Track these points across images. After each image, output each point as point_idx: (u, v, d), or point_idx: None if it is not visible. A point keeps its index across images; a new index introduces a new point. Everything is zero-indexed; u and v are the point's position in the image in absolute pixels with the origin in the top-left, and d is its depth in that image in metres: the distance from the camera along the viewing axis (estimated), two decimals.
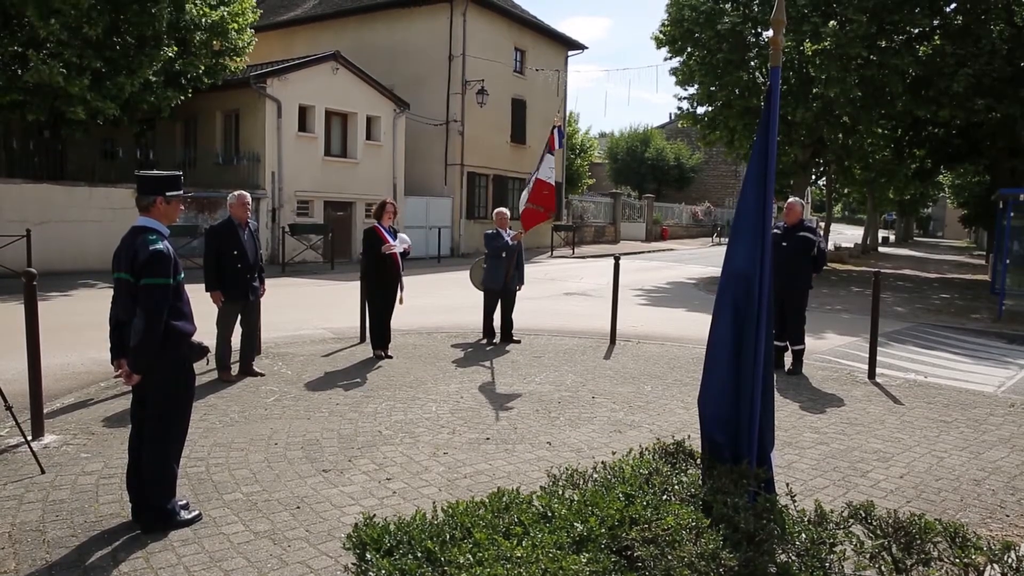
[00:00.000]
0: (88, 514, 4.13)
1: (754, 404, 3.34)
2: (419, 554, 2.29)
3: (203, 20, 18.88)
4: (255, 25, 21.75)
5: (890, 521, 2.78)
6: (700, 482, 3.17)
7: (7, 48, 15.72)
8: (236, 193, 7.38)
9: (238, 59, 20.92)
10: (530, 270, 13.68)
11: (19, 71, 15.92)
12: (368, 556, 2.30)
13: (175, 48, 17.99)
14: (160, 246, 3.86)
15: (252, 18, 21.12)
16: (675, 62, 23.84)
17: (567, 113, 33.60)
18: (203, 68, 19.09)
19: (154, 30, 17.35)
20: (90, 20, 15.91)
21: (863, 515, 2.86)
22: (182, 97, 18.75)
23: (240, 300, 7.30)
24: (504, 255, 9.56)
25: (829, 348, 10.45)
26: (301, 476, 4.80)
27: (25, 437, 4.93)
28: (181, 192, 4.12)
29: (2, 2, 15.34)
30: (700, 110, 24.86)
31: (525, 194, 9.18)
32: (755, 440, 3.38)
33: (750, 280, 3.35)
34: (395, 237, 8.61)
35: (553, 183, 9.20)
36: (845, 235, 55.26)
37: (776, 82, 3.40)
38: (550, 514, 2.63)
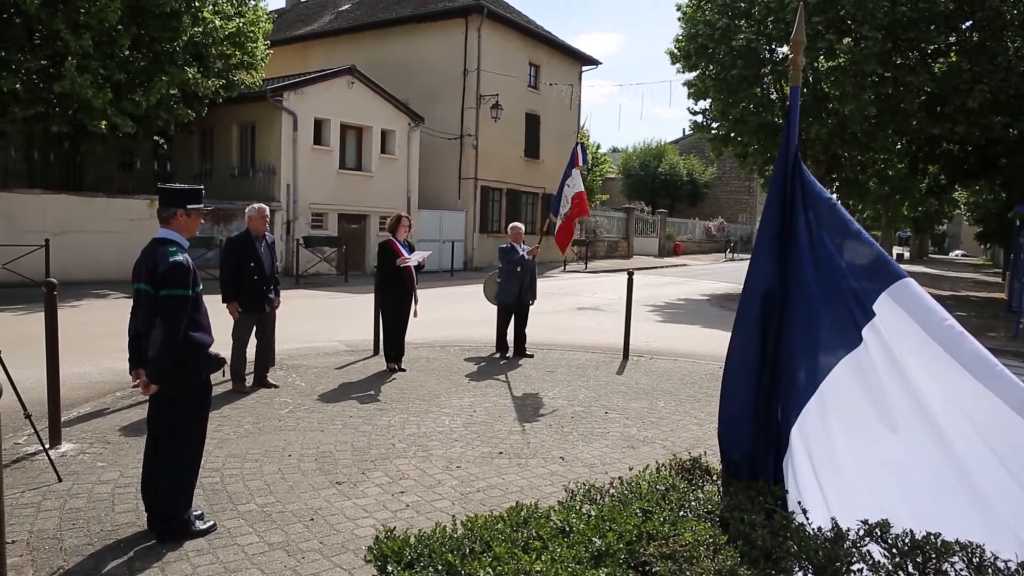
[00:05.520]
0: (104, 523, 4.16)
1: (772, 423, 3.33)
2: (439, 567, 2.30)
3: (219, 32, 19.13)
4: (271, 39, 21.98)
5: (907, 540, 2.76)
6: (717, 498, 3.16)
7: (32, 62, 15.99)
8: (256, 206, 7.43)
9: (255, 72, 21.15)
10: (543, 285, 13.70)
11: (41, 84, 16.18)
12: (389, 568, 2.31)
13: (193, 67, 18.23)
14: (180, 258, 3.90)
15: (267, 27, 21.35)
16: (689, 75, 23.85)
17: (580, 129, 33.66)
18: (218, 86, 19.30)
19: (172, 46, 17.60)
20: (117, 34, 16.17)
21: (879, 533, 2.84)
22: (193, 115, 18.95)
23: (256, 312, 7.34)
24: (519, 269, 9.59)
25: None
26: (315, 488, 4.81)
27: (43, 445, 4.96)
28: (201, 206, 4.16)
29: (28, 17, 15.61)
30: (714, 125, 24.85)
31: (561, 213, 9.26)
32: (772, 458, 3.36)
33: (772, 298, 3.35)
34: (410, 251, 8.65)
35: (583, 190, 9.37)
36: None
37: (796, 101, 3.42)
38: (568, 529, 2.64)
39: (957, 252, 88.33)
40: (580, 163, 9.23)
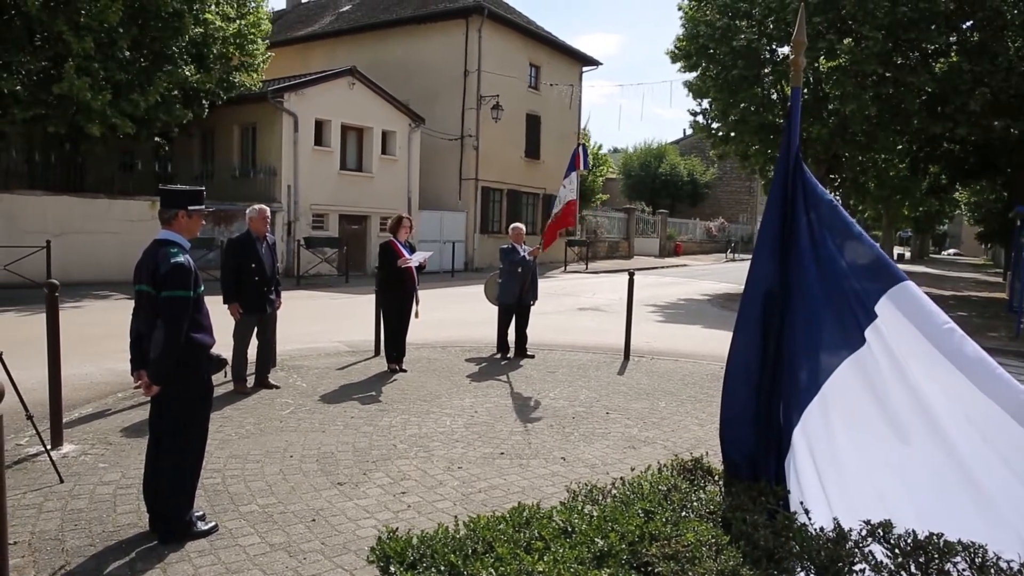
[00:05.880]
0: (106, 524, 4.16)
1: (773, 423, 3.32)
2: (442, 568, 2.30)
3: (221, 33, 19.15)
4: (272, 40, 21.99)
5: (909, 540, 2.76)
6: (719, 499, 3.16)
7: (33, 63, 15.99)
8: (257, 207, 7.44)
9: (254, 75, 21.17)
10: (544, 285, 13.70)
11: (41, 85, 16.19)
12: (392, 569, 2.32)
13: (192, 66, 18.26)
14: (181, 259, 3.91)
15: (267, 27, 21.38)
16: (690, 75, 23.85)
17: (581, 130, 33.66)
18: (215, 83, 19.29)
19: (173, 46, 17.62)
20: (118, 35, 16.19)
21: (881, 534, 2.84)
22: (191, 115, 18.96)
23: (257, 313, 7.35)
24: (520, 270, 9.59)
25: None
26: (316, 489, 4.81)
27: (45, 446, 4.97)
28: (203, 207, 4.16)
29: (29, 18, 15.63)
30: (715, 125, 24.85)
31: (553, 213, 9.40)
32: (773, 458, 3.36)
33: (773, 298, 3.35)
34: (411, 252, 8.66)
35: (576, 198, 9.40)
36: None
37: (797, 101, 3.42)
38: (570, 529, 2.64)
39: (950, 251, 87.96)
40: (581, 166, 9.18)
